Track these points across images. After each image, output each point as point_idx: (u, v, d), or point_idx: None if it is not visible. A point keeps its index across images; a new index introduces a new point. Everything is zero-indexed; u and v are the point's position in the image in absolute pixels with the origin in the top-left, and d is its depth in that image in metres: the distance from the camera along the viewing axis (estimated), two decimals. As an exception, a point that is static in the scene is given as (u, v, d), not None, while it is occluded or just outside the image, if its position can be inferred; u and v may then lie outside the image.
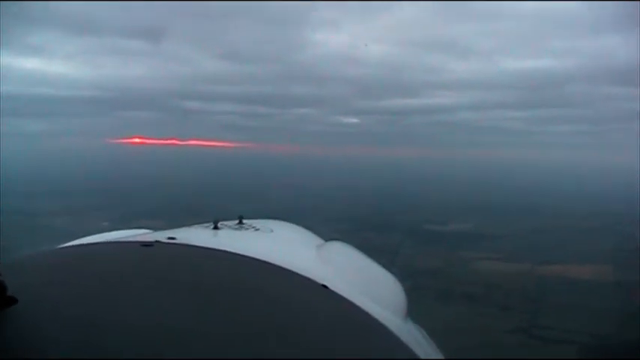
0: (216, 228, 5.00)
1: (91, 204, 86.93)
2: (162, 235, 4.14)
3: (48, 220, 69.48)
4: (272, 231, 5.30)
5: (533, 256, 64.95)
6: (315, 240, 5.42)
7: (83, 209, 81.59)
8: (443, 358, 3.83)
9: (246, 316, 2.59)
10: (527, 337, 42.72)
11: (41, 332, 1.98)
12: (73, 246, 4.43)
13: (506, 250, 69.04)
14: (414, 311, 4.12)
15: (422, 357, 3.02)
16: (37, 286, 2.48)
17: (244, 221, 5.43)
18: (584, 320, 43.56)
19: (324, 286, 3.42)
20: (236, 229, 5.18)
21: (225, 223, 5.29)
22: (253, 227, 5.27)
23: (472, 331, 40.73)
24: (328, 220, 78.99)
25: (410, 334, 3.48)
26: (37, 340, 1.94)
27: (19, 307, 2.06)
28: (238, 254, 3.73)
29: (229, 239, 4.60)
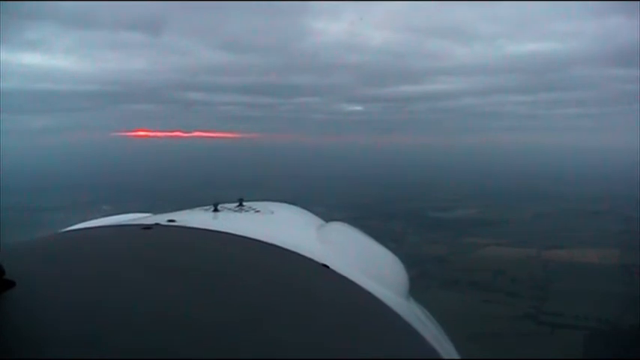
0: (216, 210, 4.97)
1: (96, 198, 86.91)
2: (162, 218, 4.14)
3: (51, 215, 69.28)
4: (272, 212, 5.26)
5: (539, 241, 64.80)
6: (316, 221, 5.34)
7: (87, 203, 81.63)
8: (445, 336, 3.69)
9: (248, 296, 2.59)
10: (535, 324, 42.45)
11: (39, 316, 1.96)
12: (73, 230, 4.42)
13: (512, 235, 68.92)
14: (421, 299, 4.07)
15: (424, 335, 2.97)
16: (35, 269, 2.46)
17: (244, 203, 5.39)
18: (591, 305, 43.31)
19: (325, 266, 3.40)
20: (236, 211, 5.16)
21: (225, 205, 5.28)
22: (253, 209, 5.23)
23: (479, 318, 40.56)
24: (333, 208, 79.20)
25: (412, 313, 3.43)
26: (34, 323, 1.91)
27: (17, 290, 2.05)
28: (238, 235, 3.72)
29: (229, 221, 4.61)
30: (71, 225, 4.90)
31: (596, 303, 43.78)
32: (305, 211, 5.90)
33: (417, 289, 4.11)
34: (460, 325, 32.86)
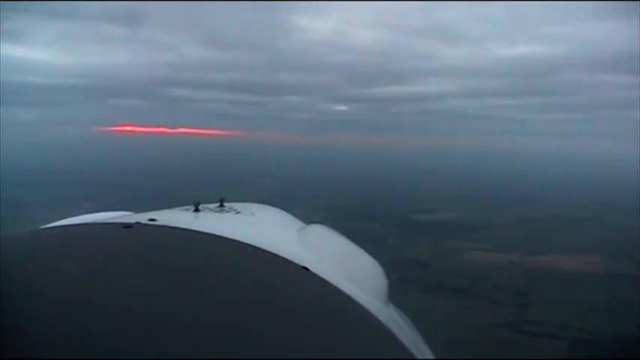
0: (197, 210, 4.90)
1: (78, 193, 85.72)
2: (143, 217, 4.08)
3: (31, 210, 68.04)
4: (253, 214, 5.20)
5: (523, 247, 64.40)
6: (297, 223, 5.27)
7: (69, 198, 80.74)
8: (423, 341, 3.69)
9: (227, 298, 2.56)
10: (515, 333, 41.70)
11: (19, 314, 1.94)
12: (52, 227, 4.39)
13: (495, 240, 68.39)
14: (400, 304, 4.03)
15: (403, 340, 2.98)
16: (14, 267, 2.43)
17: (225, 204, 5.33)
18: (574, 314, 42.68)
19: (305, 268, 3.39)
20: (217, 211, 5.09)
21: (206, 205, 5.20)
22: (234, 210, 5.18)
23: (458, 325, 39.64)
24: (315, 209, 79.40)
25: (391, 318, 3.42)
26: (13, 322, 1.88)
27: None
28: (219, 236, 3.67)
29: (210, 221, 4.55)
30: (51, 221, 4.84)
31: (579, 312, 43.18)
32: (285, 213, 5.85)
33: (397, 294, 4.08)
34: (439, 333, 32.01)
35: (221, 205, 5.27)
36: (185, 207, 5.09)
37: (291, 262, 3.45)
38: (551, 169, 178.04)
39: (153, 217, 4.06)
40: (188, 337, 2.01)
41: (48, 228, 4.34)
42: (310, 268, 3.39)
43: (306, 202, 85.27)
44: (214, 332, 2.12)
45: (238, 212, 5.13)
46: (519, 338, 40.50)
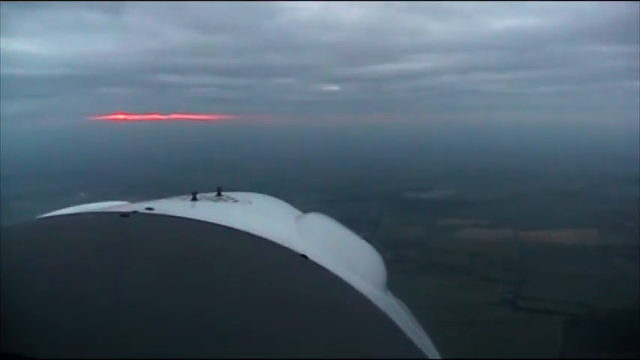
0: (194, 199, 4.92)
1: (73, 184, 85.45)
2: (140, 206, 4.06)
3: (25, 203, 68.00)
4: (250, 203, 5.22)
5: (517, 222, 64.26)
6: (294, 212, 5.28)
7: (64, 190, 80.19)
8: (422, 329, 3.66)
9: (226, 286, 2.59)
10: (512, 310, 41.74)
11: (18, 304, 1.98)
12: (50, 217, 4.37)
13: (489, 216, 68.38)
14: (396, 284, 4.07)
15: (402, 327, 2.97)
16: (13, 257, 2.46)
17: (222, 193, 5.33)
18: (570, 288, 42.68)
19: (304, 256, 3.41)
20: (215, 200, 5.11)
21: (203, 195, 5.19)
22: (232, 199, 5.21)
23: (455, 305, 39.72)
24: (309, 191, 79.55)
25: (389, 305, 3.44)
26: (13, 311, 1.92)
27: None
28: (217, 224, 3.69)
29: (208, 210, 4.52)
30: (48, 212, 4.74)
31: (575, 286, 43.18)
32: (283, 202, 5.84)
33: (392, 274, 4.09)
34: (436, 313, 31.96)
35: (219, 195, 5.26)
36: (183, 196, 5.10)
37: (289, 250, 3.47)
38: (545, 142, 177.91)
39: (150, 206, 4.06)
40: (187, 326, 2.03)
41: (45, 218, 4.34)
42: (309, 256, 3.41)
43: (301, 184, 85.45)
44: (214, 321, 2.15)
45: (236, 201, 5.13)
46: (516, 316, 40.58)
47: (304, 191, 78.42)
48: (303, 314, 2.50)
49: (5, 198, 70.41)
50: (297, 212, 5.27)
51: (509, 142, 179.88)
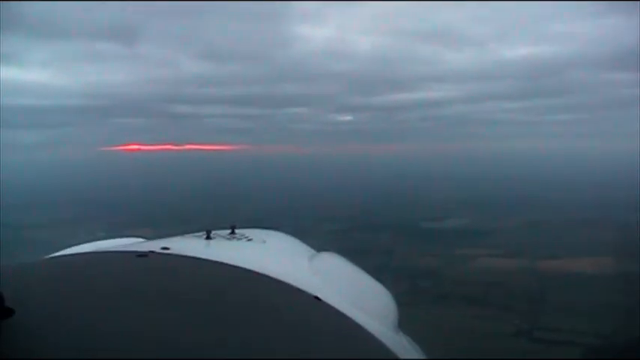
0: (208, 238, 5.06)
1: (88, 215, 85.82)
2: (155, 245, 4.20)
3: (37, 233, 68.02)
4: (264, 241, 5.34)
5: (533, 251, 63.55)
6: (307, 250, 5.40)
7: (79, 220, 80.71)
8: None
9: (241, 328, 2.61)
10: (529, 341, 41.00)
11: (38, 344, 2.01)
12: (66, 255, 4.46)
13: (505, 245, 67.70)
14: (410, 315, 4.66)
15: None
16: (32, 297, 2.46)
17: (236, 231, 5.46)
18: (588, 318, 41.90)
19: (317, 298, 3.45)
20: (228, 239, 5.24)
21: (217, 232, 5.32)
22: (245, 237, 5.33)
23: (470, 336, 39.03)
24: (324, 221, 79.41)
25: (401, 346, 3.50)
26: (33, 352, 1.95)
27: (16, 318, 2.06)
28: (232, 265, 3.78)
29: (222, 250, 4.69)
30: (62, 245, 5.05)
31: (593, 316, 42.31)
32: (296, 240, 5.96)
33: (406, 306, 4.48)
34: (450, 344, 31.48)
35: (232, 232, 5.39)
36: (197, 234, 5.26)
37: (303, 291, 3.53)
38: (559, 170, 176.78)
39: (165, 245, 4.18)
40: None
41: (61, 256, 4.44)
42: (322, 297, 3.47)
43: (316, 213, 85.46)
44: None
45: (250, 240, 5.26)
46: (532, 347, 39.87)
47: (319, 221, 78.46)
48: (314, 356, 2.52)
49: (22, 227, 70.85)
50: (310, 251, 5.36)
51: (524, 170, 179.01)
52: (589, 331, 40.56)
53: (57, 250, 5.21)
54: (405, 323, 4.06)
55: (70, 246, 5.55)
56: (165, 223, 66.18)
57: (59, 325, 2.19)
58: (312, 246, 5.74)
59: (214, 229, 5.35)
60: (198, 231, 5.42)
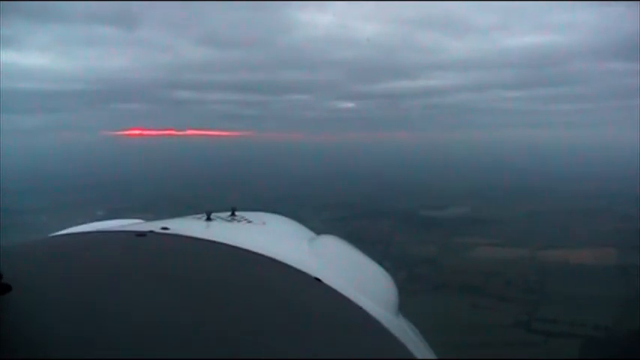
0: (209, 219, 5.00)
1: (89, 199, 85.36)
2: (155, 225, 4.15)
3: (37, 218, 68.17)
4: (264, 223, 5.34)
5: (533, 241, 63.27)
6: (308, 233, 5.38)
7: (80, 204, 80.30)
8: (433, 353, 3.71)
9: (240, 308, 2.61)
10: (527, 332, 40.83)
11: (34, 321, 1.99)
12: (65, 234, 4.49)
13: (505, 234, 67.49)
14: (408, 303, 4.10)
15: (412, 351, 3.05)
16: (29, 274, 2.45)
17: (237, 213, 5.40)
18: (587, 310, 41.65)
19: (317, 279, 3.44)
20: (229, 220, 5.16)
21: (218, 214, 5.24)
22: (246, 219, 5.27)
23: (468, 326, 38.88)
24: (324, 208, 79.49)
25: (401, 330, 3.43)
26: (29, 328, 1.94)
27: (12, 295, 2.09)
28: (231, 245, 3.70)
29: (222, 231, 4.59)
30: (62, 228, 4.91)
31: (593, 307, 42.09)
32: (296, 223, 5.94)
33: (405, 293, 4.20)
34: (448, 334, 31.28)
35: (233, 215, 5.31)
36: (197, 215, 5.19)
37: (303, 272, 3.48)
38: (561, 160, 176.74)
39: (165, 225, 4.11)
40: (200, 347, 2.02)
41: (60, 235, 4.46)
42: (322, 279, 3.44)
43: (316, 201, 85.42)
44: (226, 343, 2.14)
45: (250, 222, 5.19)
46: (530, 338, 39.71)
47: (318, 208, 78.46)
48: (315, 337, 2.53)
49: (21, 211, 70.70)
50: (310, 234, 5.35)
51: (525, 159, 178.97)
52: (588, 322, 40.35)
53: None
54: (402, 311, 3.98)
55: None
56: (165, 208, 66.21)
57: (54, 302, 2.18)
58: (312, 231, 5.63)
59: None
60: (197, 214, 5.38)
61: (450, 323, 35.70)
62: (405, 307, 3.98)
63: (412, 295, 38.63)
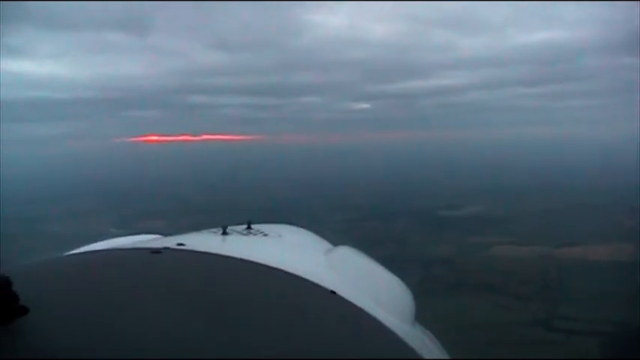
0: (224, 234, 5.05)
1: (102, 206, 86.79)
2: (171, 241, 4.19)
3: (51, 227, 68.94)
4: (280, 236, 5.35)
5: (551, 239, 62.85)
6: (324, 245, 5.44)
7: (96, 212, 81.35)
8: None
9: (256, 323, 2.62)
10: (547, 331, 40.37)
11: (52, 343, 2.01)
12: (81, 253, 4.53)
13: (521, 233, 67.05)
14: (426, 304, 4.25)
15: None
16: (46, 295, 2.46)
17: (253, 226, 5.50)
18: (607, 307, 41.11)
19: (333, 292, 3.45)
20: (244, 234, 5.25)
21: (233, 228, 5.31)
22: (262, 232, 5.34)
23: (487, 325, 38.69)
24: (340, 210, 79.80)
25: (418, 339, 3.49)
26: (48, 350, 1.95)
27: (30, 317, 2.09)
28: (247, 260, 3.75)
29: (238, 245, 4.67)
30: (81, 237, 5.34)
31: (612, 304, 41.55)
32: (312, 234, 5.97)
33: (421, 295, 4.20)
34: (467, 333, 31.20)
35: (249, 228, 5.40)
36: (213, 230, 5.21)
37: (319, 286, 3.52)
38: (576, 156, 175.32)
39: (181, 241, 4.15)
40: None
41: (78, 253, 4.47)
42: (338, 292, 3.46)
43: (331, 202, 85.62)
44: (243, 357, 2.15)
45: (266, 235, 5.24)
46: (550, 336, 39.29)
47: (334, 210, 78.71)
48: (329, 350, 2.52)
49: (35, 220, 71.32)
50: (326, 245, 5.41)
51: (540, 156, 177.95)
52: (607, 319, 40.00)
53: (71, 244, 5.28)
54: (420, 312, 4.04)
55: (83, 239, 5.57)
56: (180, 214, 66.65)
57: (71, 322, 2.19)
58: (328, 236, 5.78)
59: (230, 222, 5.36)
60: (212, 223, 5.42)
61: (469, 322, 35.68)
62: (422, 308, 3.99)
63: (429, 295, 38.44)
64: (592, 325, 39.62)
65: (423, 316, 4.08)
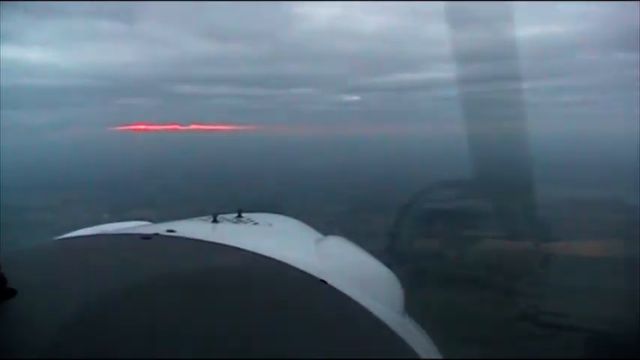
0: (215, 221, 5.08)
1: (95, 195, 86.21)
2: (161, 228, 4.22)
3: (42, 215, 68.41)
4: (270, 225, 5.41)
5: (538, 233, 62.35)
6: (314, 234, 5.49)
7: (86, 200, 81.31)
8: (439, 354, 3.80)
9: (245, 311, 2.65)
10: (534, 326, 40.56)
11: (40, 325, 2.04)
12: (71, 238, 4.58)
13: (509, 227, 66.75)
14: (413, 298, 4.15)
15: (418, 351, 3.05)
16: (35, 278, 2.51)
17: (243, 215, 5.53)
18: (595, 303, 41.53)
19: (323, 281, 3.47)
20: (235, 222, 5.29)
21: (224, 216, 5.37)
22: (252, 221, 5.37)
23: (474, 320, 38.92)
24: (330, 202, 79.55)
25: (407, 330, 3.52)
26: (35, 332, 1.98)
27: (19, 299, 2.14)
28: (237, 248, 3.82)
29: (228, 233, 4.70)
30: (70, 225, 5.08)
31: (600, 300, 41.86)
32: (302, 224, 6.05)
33: (408, 288, 4.22)
34: (454, 328, 31.09)
35: (239, 216, 5.52)
36: (203, 217, 5.38)
37: (309, 274, 3.58)
38: (567, 151, 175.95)
39: (171, 228, 4.21)
40: (205, 350, 2.06)
41: (66, 238, 4.51)
42: (328, 281, 3.52)
43: (322, 194, 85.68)
44: (232, 345, 2.17)
45: (256, 223, 5.38)
46: (538, 331, 39.47)
47: (323, 202, 78.45)
48: (320, 339, 2.56)
49: (25, 209, 70.77)
50: (316, 234, 5.52)
51: (532, 151, 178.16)
52: (595, 316, 40.04)
53: (60, 232, 5.23)
54: (408, 306, 4.07)
55: (74, 228, 5.54)
56: (170, 204, 66.54)
57: (58, 305, 2.21)
58: (318, 226, 5.84)
59: (221, 210, 5.43)
60: (203, 212, 5.55)
61: (456, 317, 35.78)
62: (410, 302, 4.08)
63: (417, 289, 38.39)
64: (578, 321, 39.87)
65: (409, 307, 4.09)
